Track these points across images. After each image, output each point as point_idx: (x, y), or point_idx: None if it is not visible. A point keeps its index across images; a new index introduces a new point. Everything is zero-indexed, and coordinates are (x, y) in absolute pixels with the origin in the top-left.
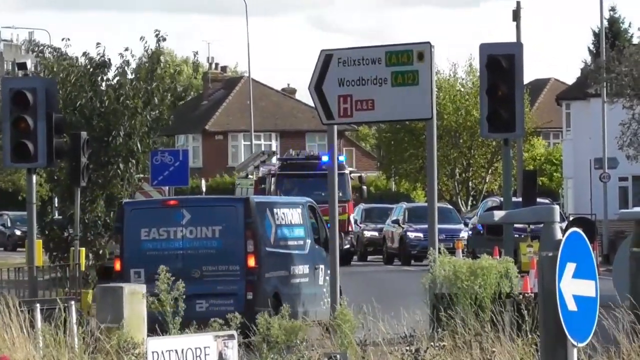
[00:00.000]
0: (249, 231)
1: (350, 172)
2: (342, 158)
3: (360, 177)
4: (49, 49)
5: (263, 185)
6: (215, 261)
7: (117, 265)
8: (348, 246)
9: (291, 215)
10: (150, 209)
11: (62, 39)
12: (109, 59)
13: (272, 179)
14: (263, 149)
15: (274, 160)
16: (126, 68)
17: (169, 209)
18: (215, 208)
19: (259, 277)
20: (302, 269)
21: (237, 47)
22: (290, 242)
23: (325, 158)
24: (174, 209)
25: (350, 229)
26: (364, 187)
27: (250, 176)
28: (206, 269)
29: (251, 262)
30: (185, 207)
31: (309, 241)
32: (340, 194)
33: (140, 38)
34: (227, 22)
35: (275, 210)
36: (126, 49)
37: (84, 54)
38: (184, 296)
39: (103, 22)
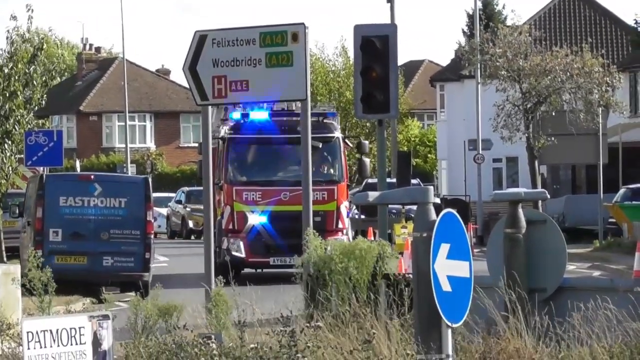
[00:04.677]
0: (148, 203)
1: (345, 138)
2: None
3: (359, 145)
4: None
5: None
6: (121, 226)
7: (38, 225)
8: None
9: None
10: (69, 181)
11: None
12: None
13: (222, 145)
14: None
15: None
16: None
17: (84, 182)
18: (122, 184)
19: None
20: None
21: (112, 29)
22: None
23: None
24: (88, 183)
25: (341, 225)
26: (366, 160)
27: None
28: (113, 232)
29: (150, 228)
30: (97, 181)
31: None
32: (327, 171)
33: (12, 17)
34: (101, 2)
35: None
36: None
37: None
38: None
39: None
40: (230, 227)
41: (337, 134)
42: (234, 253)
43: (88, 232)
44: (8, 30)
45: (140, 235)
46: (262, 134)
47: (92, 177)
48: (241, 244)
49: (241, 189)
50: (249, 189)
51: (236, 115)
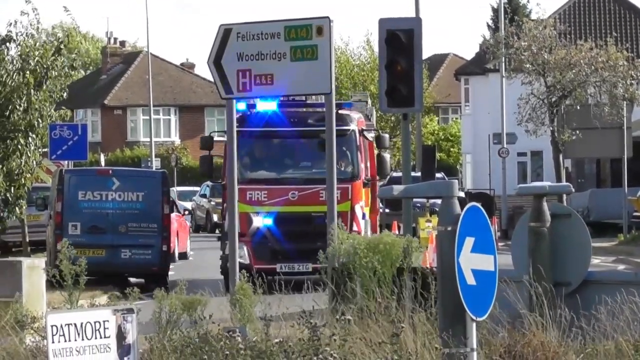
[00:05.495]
0: (166, 197)
1: (363, 131)
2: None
3: (378, 138)
4: None
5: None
6: (139, 220)
7: (57, 219)
8: None
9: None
10: (87, 176)
11: None
12: (11, 33)
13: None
14: (162, 123)
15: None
16: (29, 42)
17: (103, 177)
18: (140, 178)
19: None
20: None
21: (137, 23)
22: None
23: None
24: (107, 177)
25: (356, 227)
26: (385, 156)
27: None
28: (131, 225)
29: (167, 221)
30: (115, 176)
31: None
32: (341, 168)
33: (33, 10)
34: None
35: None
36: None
37: None
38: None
39: None
40: None
41: (353, 126)
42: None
43: (106, 225)
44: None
45: (158, 228)
46: (269, 127)
47: (110, 171)
48: (245, 249)
49: (245, 188)
50: (254, 187)
51: (241, 106)
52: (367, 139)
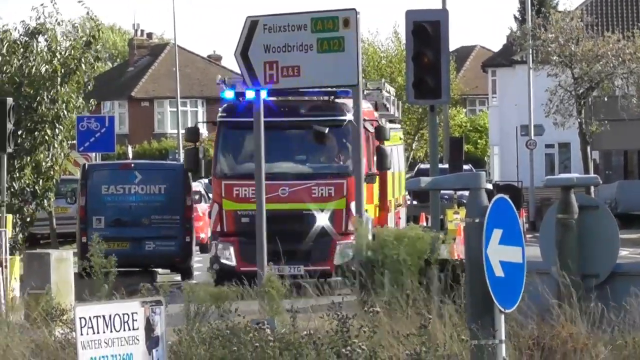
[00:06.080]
0: (187, 189)
1: (365, 122)
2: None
3: (377, 129)
4: None
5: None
6: (161, 212)
7: (82, 213)
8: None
9: None
10: (110, 170)
11: None
12: (43, 24)
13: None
14: (189, 115)
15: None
16: (58, 34)
17: (125, 170)
18: (162, 171)
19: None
20: None
21: (163, 15)
22: None
23: (227, 94)
24: (129, 171)
25: (352, 227)
26: (385, 149)
27: None
28: (154, 218)
29: (189, 213)
30: (138, 169)
31: None
32: (335, 162)
33: (51, 1)
34: None
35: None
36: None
37: (22, 22)
38: (136, 238)
39: None
40: (219, 229)
41: (350, 116)
42: (223, 261)
43: (130, 218)
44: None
45: (181, 220)
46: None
47: (132, 165)
48: (231, 249)
49: (231, 184)
50: (241, 183)
51: (229, 94)
52: (368, 130)
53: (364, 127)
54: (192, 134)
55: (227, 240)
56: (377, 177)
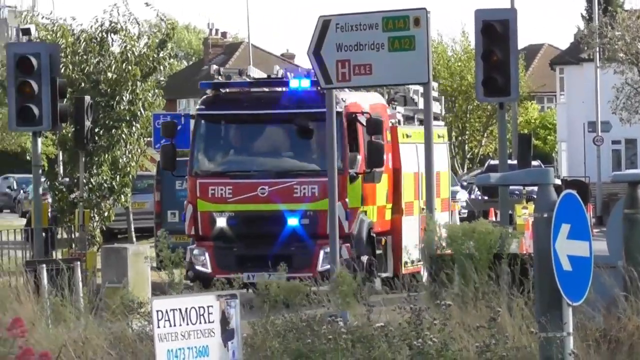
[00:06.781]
0: None
1: (353, 114)
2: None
3: (369, 122)
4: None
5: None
6: None
7: (157, 208)
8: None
9: None
10: (183, 167)
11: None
12: (117, 23)
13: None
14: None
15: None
16: (134, 34)
17: None
18: None
19: None
20: None
21: (238, 14)
22: None
23: (302, 82)
24: None
25: (349, 228)
26: (377, 143)
27: None
28: None
29: None
30: None
31: None
32: (321, 158)
33: (146, 4)
34: None
35: None
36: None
37: (95, 19)
38: None
39: None
40: (193, 232)
41: (339, 108)
42: (198, 267)
43: None
44: (117, 11)
45: None
46: (237, 110)
47: None
48: (206, 255)
49: (206, 183)
50: (217, 182)
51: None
52: (362, 124)
53: (358, 121)
54: (168, 128)
55: (201, 245)
56: (382, 175)
